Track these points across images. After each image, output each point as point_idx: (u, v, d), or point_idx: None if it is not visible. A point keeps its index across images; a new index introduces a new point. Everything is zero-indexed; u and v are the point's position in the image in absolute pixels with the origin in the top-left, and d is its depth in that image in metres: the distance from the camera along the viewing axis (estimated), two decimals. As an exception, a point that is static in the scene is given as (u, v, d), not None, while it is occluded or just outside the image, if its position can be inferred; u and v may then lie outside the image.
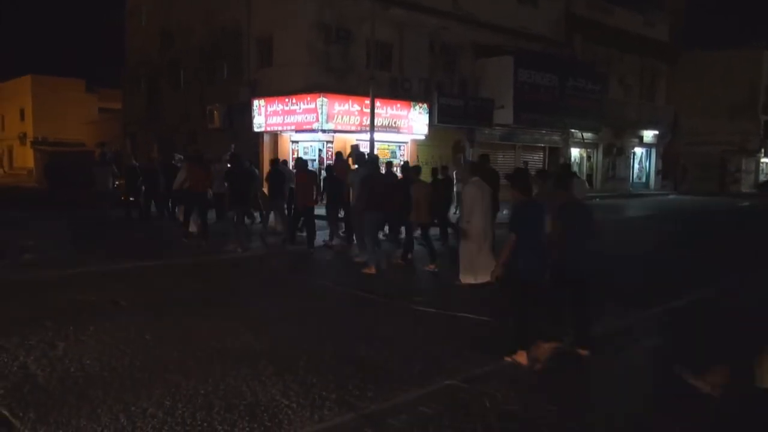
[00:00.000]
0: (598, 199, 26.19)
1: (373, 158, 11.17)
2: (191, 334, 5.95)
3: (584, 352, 5.28)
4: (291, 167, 14.84)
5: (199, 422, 4.05)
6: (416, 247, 10.02)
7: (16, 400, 4.34)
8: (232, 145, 16.45)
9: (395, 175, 11.09)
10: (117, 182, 16.28)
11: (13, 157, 48.64)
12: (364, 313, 6.93)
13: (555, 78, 23.43)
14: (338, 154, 14.08)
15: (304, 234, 11.45)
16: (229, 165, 11.28)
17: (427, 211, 9.39)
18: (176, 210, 14.07)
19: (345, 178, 11.24)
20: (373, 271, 9.02)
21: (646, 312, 7.00)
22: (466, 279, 8.14)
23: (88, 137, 39.98)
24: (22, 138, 45.63)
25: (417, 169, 10.32)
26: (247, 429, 3.98)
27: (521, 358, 5.07)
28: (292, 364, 5.15)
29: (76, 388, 4.58)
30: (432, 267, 9.31)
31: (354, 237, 10.98)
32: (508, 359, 5.14)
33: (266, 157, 19.72)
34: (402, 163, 16.71)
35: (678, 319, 6.75)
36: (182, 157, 15.50)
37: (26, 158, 43.19)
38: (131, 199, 15.37)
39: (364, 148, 17.51)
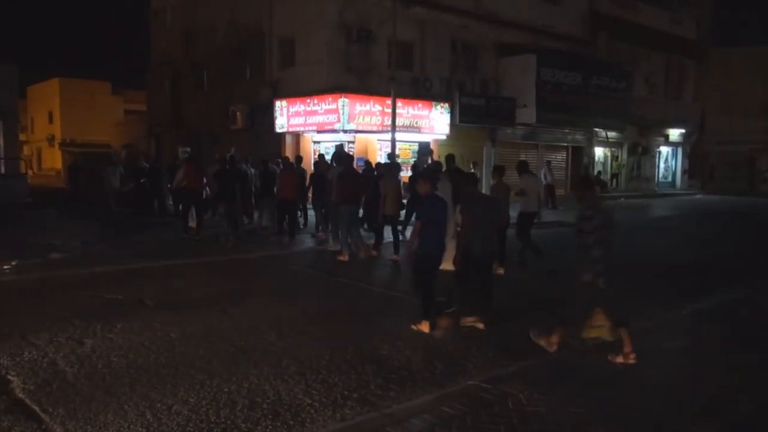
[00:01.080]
0: (623, 199, 25.85)
1: (347, 156, 11.85)
2: (215, 332, 6.02)
3: (481, 325, 6.18)
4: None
5: (223, 420, 4.09)
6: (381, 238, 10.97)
7: (46, 395, 4.43)
8: (233, 148, 17.41)
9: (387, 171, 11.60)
10: (132, 183, 16.61)
11: (42, 158, 49.69)
12: (386, 311, 6.92)
13: (578, 76, 23.16)
14: (321, 156, 15.13)
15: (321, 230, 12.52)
16: (226, 166, 12.06)
17: (393, 205, 10.09)
18: (179, 207, 14.38)
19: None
20: (345, 258, 10.02)
21: (673, 313, 6.89)
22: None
23: (115, 139, 40.63)
24: (51, 140, 46.60)
25: (388, 165, 11.77)
26: (270, 427, 4.01)
27: (424, 327, 6.04)
28: (314, 363, 5.18)
29: (103, 384, 4.66)
30: (395, 257, 10.16)
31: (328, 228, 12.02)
32: (413, 327, 6.09)
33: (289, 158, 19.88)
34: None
35: (706, 319, 6.62)
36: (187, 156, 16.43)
37: (55, 159, 44.11)
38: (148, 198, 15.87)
39: (386, 149, 17.63)
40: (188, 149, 18.16)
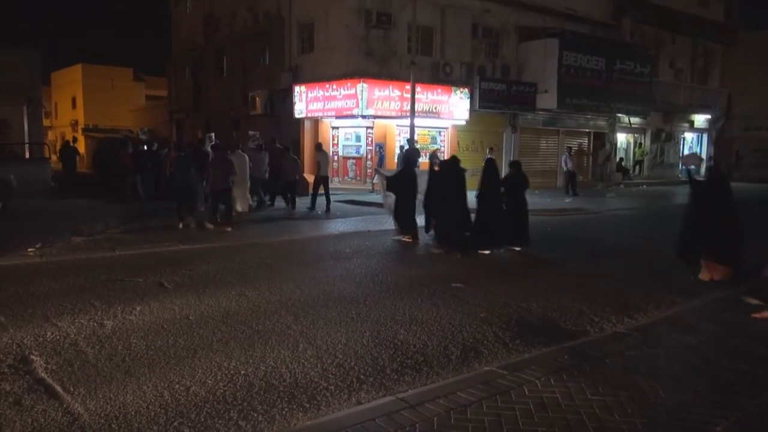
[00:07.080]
0: (644, 186, 25.44)
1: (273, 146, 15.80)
2: (232, 315, 6.07)
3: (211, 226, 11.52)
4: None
5: (240, 402, 4.13)
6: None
7: (67, 375, 4.52)
8: (146, 129, 22.23)
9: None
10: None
11: (66, 143, 50.39)
12: (403, 296, 6.91)
13: (601, 61, 22.72)
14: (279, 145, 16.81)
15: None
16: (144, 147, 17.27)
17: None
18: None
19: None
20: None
21: (694, 301, 6.78)
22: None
23: (136, 124, 40.99)
24: (74, 125, 47.19)
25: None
26: (286, 410, 4.03)
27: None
28: (331, 346, 5.20)
29: (123, 365, 4.74)
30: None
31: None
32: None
33: (307, 143, 19.90)
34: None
35: (730, 308, 6.50)
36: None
37: (78, 145, 44.63)
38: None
39: (405, 134, 17.57)
40: (212, 134, 19.11)
